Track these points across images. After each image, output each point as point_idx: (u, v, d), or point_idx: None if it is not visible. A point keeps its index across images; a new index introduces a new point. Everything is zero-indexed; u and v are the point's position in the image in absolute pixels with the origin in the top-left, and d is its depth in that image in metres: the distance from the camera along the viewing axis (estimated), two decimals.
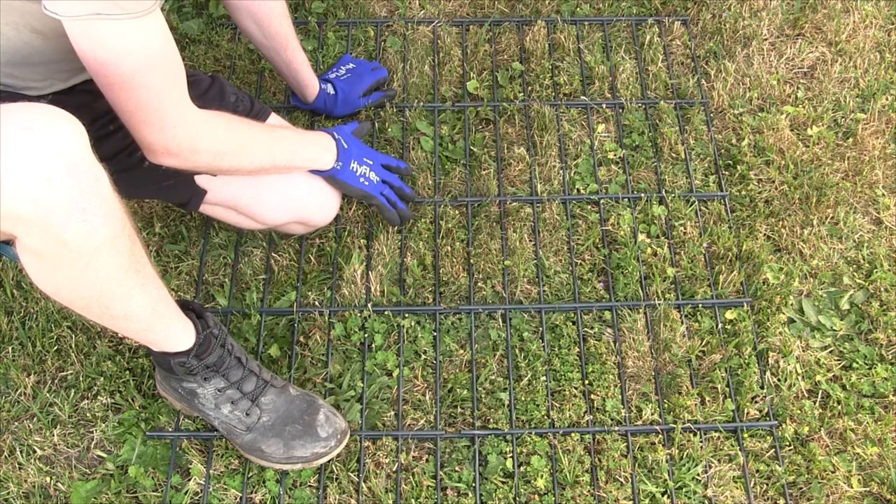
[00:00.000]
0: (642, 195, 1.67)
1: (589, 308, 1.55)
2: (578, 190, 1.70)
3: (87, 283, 1.09)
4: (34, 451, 1.39)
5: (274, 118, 1.51)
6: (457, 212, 1.67)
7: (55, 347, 1.49)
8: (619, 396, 1.45)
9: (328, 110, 1.77)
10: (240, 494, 1.36)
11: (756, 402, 1.44)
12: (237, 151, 1.33)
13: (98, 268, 1.07)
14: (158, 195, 1.49)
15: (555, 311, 1.54)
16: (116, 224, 1.05)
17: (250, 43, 1.94)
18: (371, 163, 1.55)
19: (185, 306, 1.29)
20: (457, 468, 1.39)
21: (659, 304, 1.53)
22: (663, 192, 1.68)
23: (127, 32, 1.09)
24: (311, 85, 1.71)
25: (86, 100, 1.24)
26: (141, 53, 1.12)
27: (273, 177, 1.49)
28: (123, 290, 1.13)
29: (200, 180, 1.42)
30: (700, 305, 1.54)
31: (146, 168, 1.28)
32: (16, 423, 1.43)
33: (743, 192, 1.68)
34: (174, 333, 1.26)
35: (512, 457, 1.39)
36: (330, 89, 1.75)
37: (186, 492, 1.36)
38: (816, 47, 1.91)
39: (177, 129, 1.21)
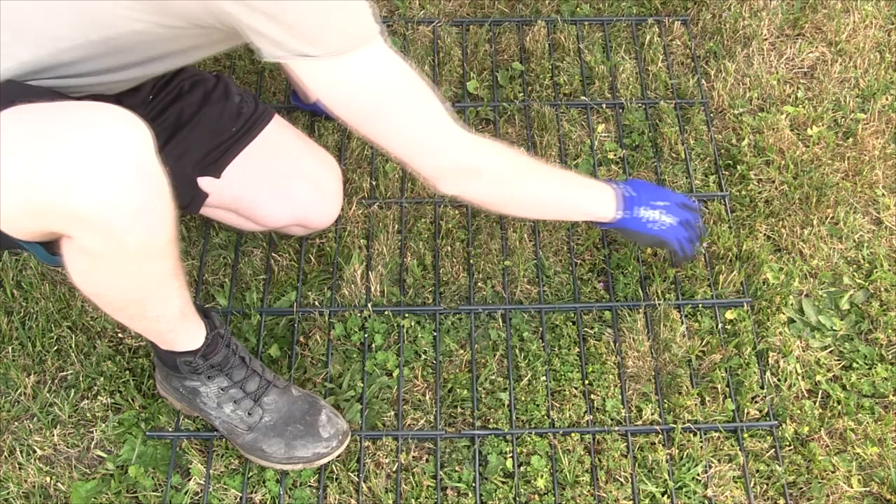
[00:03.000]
0: None
1: (589, 308, 1.55)
2: None
3: (137, 285, 1.09)
4: (34, 451, 1.39)
5: (277, 119, 1.51)
6: (457, 212, 1.67)
7: (55, 347, 1.49)
8: (619, 396, 1.45)
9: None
10: (240, 494, 1.36)
11: (756, 402, 1.44)
12: (519, 182, 1.28)
13: (150, 271, 1.07)
14: None
15: (555, 312, 1.54)
16: (173, 229, 1.05)
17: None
18: (664, 205, 1.41)
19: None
20: (457, 468, 1.39)
21: (659, 305, 1.53)
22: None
23: (356, 68, 1.08)
24: None
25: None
26: (377, 85, 1.10)
27: (274, 180, 1.48)
28: (165, 292, 1.14)
29: (203, 183, 1.42)
30: (700, 305, 1.54)
31: None
32: (16, 423, 1.43)
33: (743, 192, 1.68)
34: (192, 334, 1.27)
35: (512, 457, 1.39)
36: None
37: (186, 492, 1.36)
38: (816, 47, 1.91)
39: (447, 150, 1.19)
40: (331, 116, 1.77)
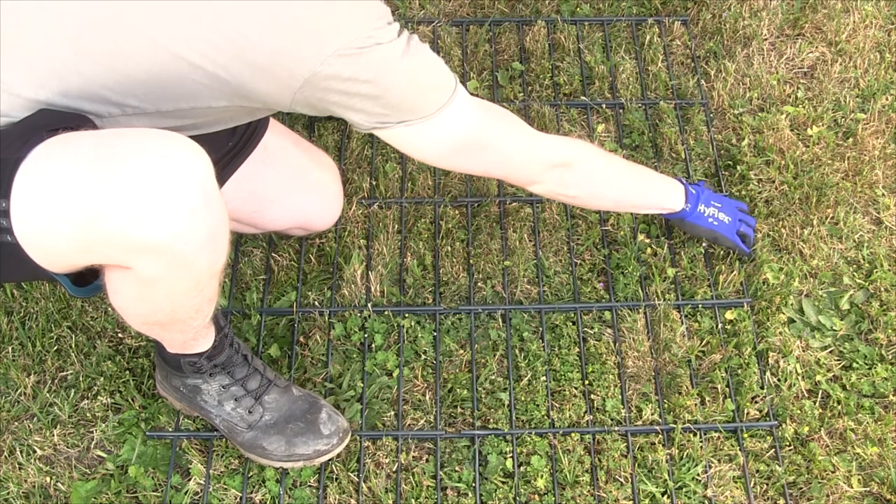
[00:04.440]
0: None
1: (589, 308, 1.55)
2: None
3: (189, 306, 1.10)
4: (34, 451, 1.39)
5: (273, 127, 1.50)
6: (457, 212, 1.67)
7: (55, 347, 1.49)
8: (619, 396, 1.45)
9: None
10: (240, 494, 1.36)
11: (756, 402, 1.44)
12: (604, 169, 1.37)
13: (205, 293, 1.08)
14: None
15: (555, 312, 1.54)
16: (228, 251, 1.05)
17: None
18: (719, 205, 1.53)
19: None
20: (457, 468, 1.39)
21: (659, 305, 1.53)
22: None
23: (452, 119, 1.16)
24: None
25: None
26: (472, 128, 1.19)
27: (275, 189, 1.48)
28: (210, 308, 1.15)
29: None
30: (700, 306, 1.54)
31: None
32: (16, 423, 1.43)
33: (743, 192, 1.68)
34: (205, 339, 1.27)
35: (512, 457, 1.39)
36: None
37: (186, 492, 1.35)
38: (816, 47, 1.91)
39: (540, 155, 1.28)
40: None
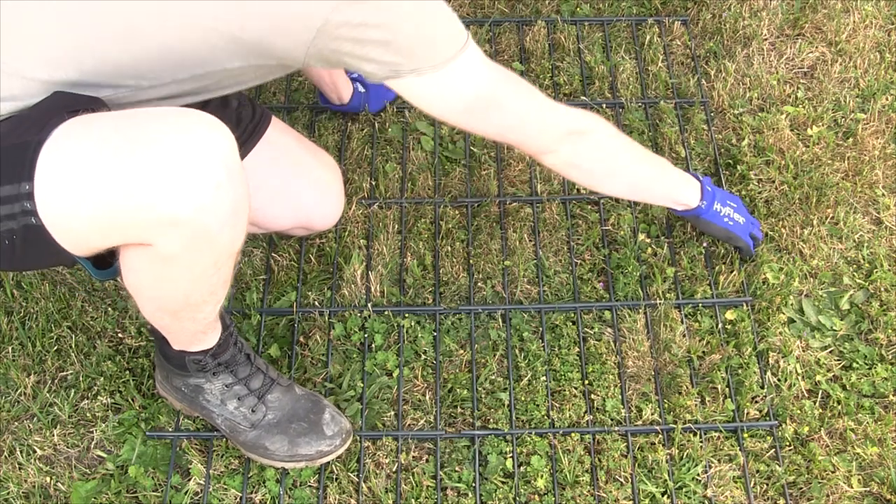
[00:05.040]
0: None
1: (589, 308, 1.55)
2: (578, 190, 1.70)
3: (205, 287, 1.09)
4: (34, 451, 1.39)
5: (276, 123, 1.50)
6: (457, 212, 1.67)
7: (55, 347, 1.49)
8: (619, 396, 1.45)
9: (361, 107, 1.77)
10: (240, 494, 1.36)
11: (756, 402, 1.44)
12: (618, 145, 1.35)
13: (222, 273, 1.07)
14: None
15: (555, 312, 1.54)
16: (246, 230, 1.05)
17: None
18: (735, 205, 1.52)
19: None
20: (457, 468, 1.39)
21: (659, 304, 1.53)
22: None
23: (465, 69, 1.13)
24: (347, 84, 1.72)
25: None
26: (486, 80, 1.16)
27: (276, 186, 1.48)
28: (218, 297, 1.15)
29: None
30: (700, 305, 1.54)
31: None
32: (16, 423, 1.43)
33: (743, 192, 1.68)
34: (213, 334, 1.27)
35: (512, 457, 1.39)
36: (360, 87, 1.75)
37: (186, 492, 1.35)
38: (816, 47, 1.91)
39: (556, 119, 1.26)
40: (356, 114, 1.78)
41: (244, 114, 1.46)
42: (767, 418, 1.43)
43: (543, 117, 1.25)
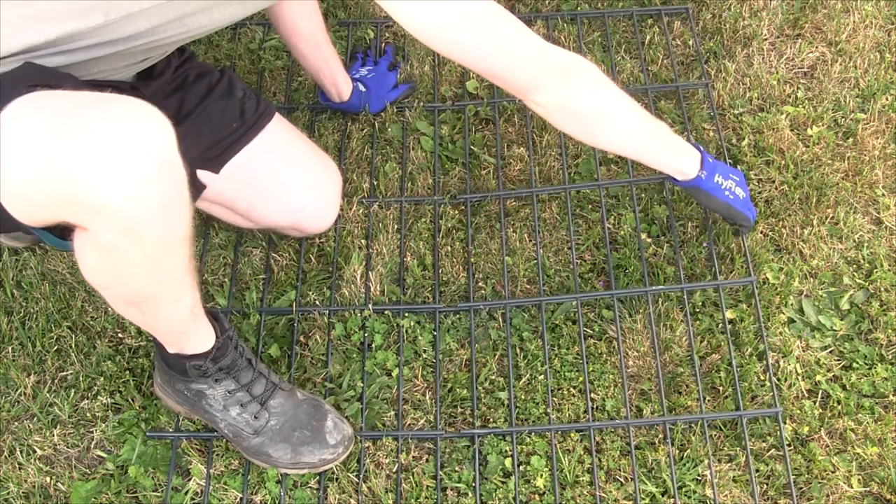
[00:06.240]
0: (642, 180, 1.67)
1: (589, 298, 1.54)
2: (578, 190, 1.70)
3: (151, 281, 1.08)
4: (34, 451, 1.39)
5: (278, 119, 1.51)
6: (456, 211, 1.67)
7: (55, 347, 1.49)
8: (620, 396, 1.45)
9: (361, 107, 1.77)
10: (240, 495, 1.36)
11: (756, 401, 1.44)
12: (608, 90, 1.29)
13: (166, 267, 1.07)
14: None
15: (555, 313, 1.54)
16: (189, 225, 1.04)
17: (251, 43, 1.95)
18: (737, 179, 1.48)
19: None
20: (457, 468, 1.39)
21: (662, 295, 1.53)
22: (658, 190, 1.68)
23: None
24: (347, 82, 1.72)
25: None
26: (460, 11, 1.12)
27: (272, 182, 1.48)
28: (179, 290, 1.14)
29: (201, 175, 1.42)
30: (706, 290, 1.54)
31: None
32: (16, 423, 1.43)
33: None
34: (201, 335, 1.26)
35: (512, 456, 1.39)
36: (360, 87, 1.75)
37: (187, 492, 1.35)
38: (816, 47, 1.91)
39: (542, 55, 1.22)
40: (356, 114, 1.78)
41: (248, 105, 1.47)
42: (771, 407, 1.42)
43: (534, 48, 1.20)
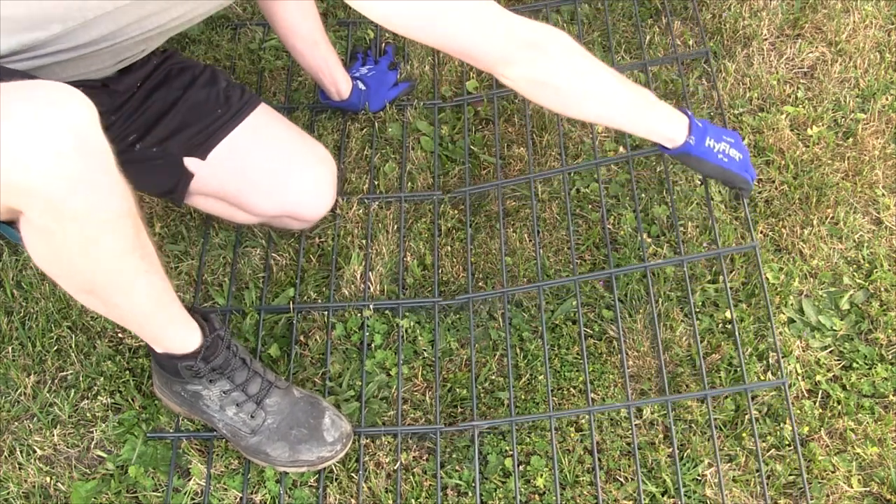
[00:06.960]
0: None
1: (587, 279, 1.55)
2: (578, 189, 1.70)
3: (89, 263, 1.07)
4: (34, 451, 1.39)
5: (264, 107, 1.51)
6: (456, 211, 1.67)
7: (55, 347, 1.49)
8: (620, 396, 1.45)
9: (360, 105, 1.77)
10: (240, 495, 1.36)
11: (756, 401, 1.44)
12: (585, 61, 1.25)
13: (101, 247, 1.06)
14: (147, 177, 1.43)
15: (555, 310, 1.54)
16: (122, 203, 1.04)
17: (251, 43, 1.95)
18: (732, 140, 1.41)
19: (190, 310, 1.28)
20: (457, 467, 1.39)
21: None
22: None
23: None
24: (347, 80, 1.72)
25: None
26: None
27: (261, 167, 1.48)
28: (127, 276, 1.12)
29: (188, 164, 1.42)
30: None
31: (136, 151, 1.34)
32: (16, 423, 1.43)
33: None
34: (179, 332, 1.26)
35: (512, 456, 1.39)
36: (360, 85, 1.76)
37: (187, 492, 1.35)
38: (816, 47, 1.91)
39: (509, 27, 1.18)
40: (356, 112, 1.78)
41: (233, 93, 1.48)
42: (777, 375, 1.42)
43: (499, 22, 1.17)
